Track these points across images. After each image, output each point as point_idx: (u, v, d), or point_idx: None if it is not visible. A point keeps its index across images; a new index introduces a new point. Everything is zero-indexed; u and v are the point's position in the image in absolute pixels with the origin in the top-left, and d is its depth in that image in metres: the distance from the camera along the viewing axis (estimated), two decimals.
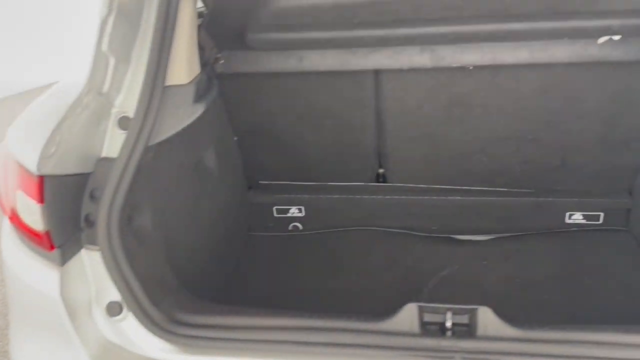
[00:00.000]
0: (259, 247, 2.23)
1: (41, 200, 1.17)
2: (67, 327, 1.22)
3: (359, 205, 2.23)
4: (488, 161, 2.03)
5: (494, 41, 1.64)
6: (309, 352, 1.17)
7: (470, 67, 1.70)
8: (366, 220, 2.25)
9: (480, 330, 1.16)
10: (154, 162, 1.38)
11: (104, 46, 1.29)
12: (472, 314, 1.19)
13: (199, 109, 1.40)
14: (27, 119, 1.28)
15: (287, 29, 1.60)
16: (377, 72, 1.79)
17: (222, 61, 1.75)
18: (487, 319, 1.17)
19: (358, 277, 1.97)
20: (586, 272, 1.87)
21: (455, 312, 1.19)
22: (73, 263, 1.25)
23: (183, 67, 1.36)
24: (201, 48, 1.70)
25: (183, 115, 1.37)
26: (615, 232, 2.07)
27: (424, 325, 1.19)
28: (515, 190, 2.11)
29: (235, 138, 2.12)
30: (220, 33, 1.66)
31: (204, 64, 1.70)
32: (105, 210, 1.23)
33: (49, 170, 1.18)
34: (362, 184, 2.22)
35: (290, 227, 2.33)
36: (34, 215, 1.18)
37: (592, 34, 1.54)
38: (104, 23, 1.29)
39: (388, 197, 2.21)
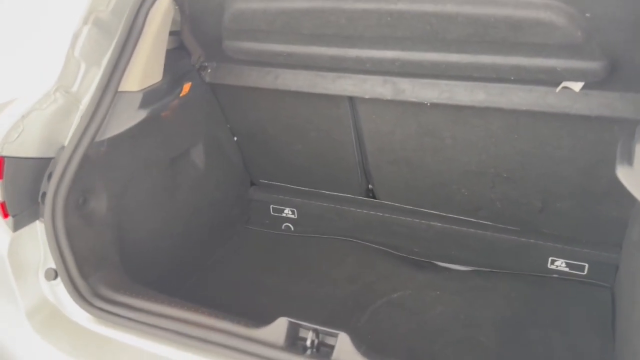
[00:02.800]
0: (247, 240, 2.39)
1: (0, 176, 1.42)
2: (11, 283, 1.47)
3: (346, 217, 2.31)
4: (467, 192, 2.00)
5: (450, 79, 1.63)
6: (182, 343, 1.31)
7: (428, 104, 1.70)
8: (351, 232, 2.33)
9: (335, 354, 1.23)
10: (108, 154, 1.59)
11: (76, 52, 1.51)
12: (333, 337, 1.25)
13: (141, 115, 1.57)
14: (5, 113, 1.54)
15: (252, 38, 1.71)
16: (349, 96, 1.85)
17: (209, 70, 1.91)
18: (344, 344, 1.23)
19: (317, 285, 2.06)
20: (540, 324, 1.79)
21: (318, 333, 1.26)
22: (27, 231, 1.49)
23: (137, 76, 1.55)
24: (188, 53, 1.88)
25: (128, 118, 1.56)
26: (598, 288, 1.94)
27: (288, 339, 1.28)
28: (498, 225, 2.06)
29: (235, 138, 2.30)
30: (204, 40, 1.82)
31: (187, 70, 1.89)
32: (52, 191, 1.46)
33: (9, 152, 1.42)
34: (351, 196, 2.29)
35: (283, 226, 2.47)
36: None
37: (541, 78, 1.47)
38: (78, 32, 1.51)
39: (373, 212, 2.26)
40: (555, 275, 2.01)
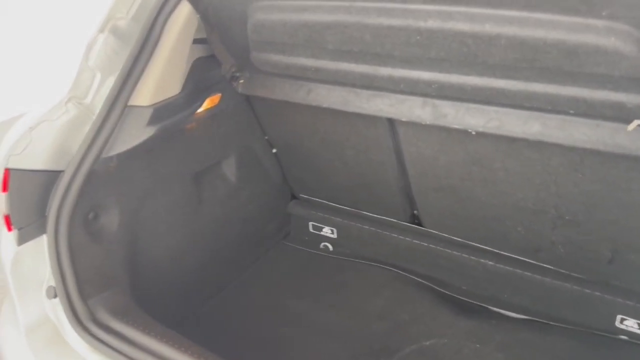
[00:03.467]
0: (281, 258, 2.26)
1: (5, 189, 1.38)
2: (13, 297, 1.44)
3: (388, 242, 2.11)
4: (524, 231, 1.73)
5: (499, 105, 1.37)
6: None
7: (473, 133, 1.46)
8: (392, 260, 2.13)
9: None
10: (120, 169, 1.51)
11: (90, 61, 1.44)
12: None
13: (150, 131, 1.47)
14: (17, 124, 1.50)
15: (278, 50, 1.56)
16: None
17: (241, 81, 1.78)
18: None
19: (346, 316, 1.89)
20: None
21: None
22: (32, 245, 1.45)
23: (150, 90, 1.45)
24: (219, 63, 1.76)
25: (136, 134, 1.46)
26: None
27: None
28: (560, 270, 1.78)
29: (274, 150, 2.17)
30: (234, 50, 1.69)
31: (216, 80, 1.77)
32: (56, 205, 1.40)
33: (14, 164, 1.38)
34: (394, 220, 2.09)
35: (321, 245, 2.32)
36: (1, 202, 1.41)
37: (608, 114, 1.19)
38: (92, 41, 1.44)
39: (417, 241, 2.05)
40: (623, 337, 1.70)
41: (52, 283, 1.43)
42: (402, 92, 1.50)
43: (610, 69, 1.04)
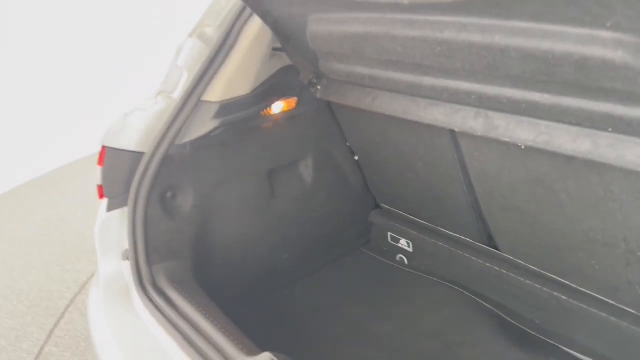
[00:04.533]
0: (358, 264, 2.31)
1: (100, 162, 1.66)
2: (98, 254, 1.71)
3: (461, 262, 2.05)
4: (598, 266, 1.57)
5: (550, 120, 1.28)
6: (184, 348, 1.35)
7: (522, 147, 1.37)
8: (463, 280, 2.06)
9: None
10: (194, 157, 1.71)
11: (180, 62, 1.67)
12: None
13: (214, 124, 1.64)
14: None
15: (337, 59, 1.63)
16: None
17: (319, 87, 1.89)
18: None
19: (398, 328, 1.88)
20: None
21: None
22: (118, 213, 1.71)
23: (220, 88, 1.62)
24: (297, 71, 1.90)
25: (203, 126, 1.64)
26: None
27: None
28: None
29: (356, 158, 2.23)
30: (309, 60, 1.81)
31: (294, 86, 1.91)
32: (136, 182, 1.64)
33: (109, 143, 1.65)
34: (470, 240, 2.02)
35: (397, 257, 2.32)
36: (98, 173, 1.69)
37: None
38: (182, 45, 1.67)
39: (490, 265, 1.95)
40: None
41: (126, 247, 1.68)
42: (456, 102, 1.48)
43: (628, 85, 0.94)
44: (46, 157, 5.23)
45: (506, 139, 1.41)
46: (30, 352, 2.81)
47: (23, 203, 4.69)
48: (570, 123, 1.26)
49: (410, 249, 2.26)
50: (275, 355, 1.23)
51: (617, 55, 0.90)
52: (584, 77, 1.01)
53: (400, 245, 2.29)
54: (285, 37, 1.67)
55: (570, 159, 1.35)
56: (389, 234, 2.33)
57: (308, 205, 2.13)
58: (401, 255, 2.31)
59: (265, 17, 1.57)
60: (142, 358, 1.44)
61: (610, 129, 1.13)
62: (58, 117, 5.36)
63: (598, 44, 0.92)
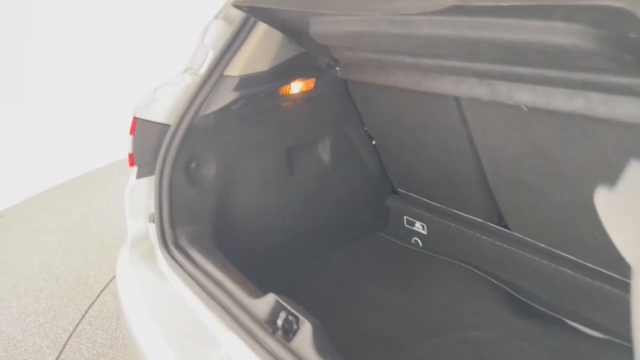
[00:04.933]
0: (374, 246, 2.39)
1: (132, 132, 1.81)
2: (127, 218, 1.85)
3: (473, 243, 2.11)
4: (601, 238, 1.61)
5: (546, 84, 1.37)
6: (201, 297, 1.47)
7: (525, 109, 1.45)
8: (475, 260, 2.11)
9: (294, 341, 1.20)
10: (217, 129, 1.84)
11: (206, 41, 1.82)
12: (301, 324, 1.22)
13: (234, 95, 1.76)
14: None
15: (343, 48, 1.75)
16: (456, 98, 1.71)
17: (337, 68, 2.01)
18: (305, 333, 1.19)
19: (410, 300, 1.95)
20: None
21: (289, 315, 1.25)
22: (146, 180, 1.85)
23: (241, 64, 1.75)
24: (314, 55, 2.01)
25: (224, 98, 1.76)
26: None
27: (271, 315, 1.30)
28: None
29: (373, 142, 2.33)
30: (322, 49, 1.93)
31: (310, 67, 2.02)
32: (163, 151, 1.78)
33: (140, 115, 1.80)
34: (481, 221, 2.08)
35: (412, 240, 2.39)
36: (128, 142, 1.84)
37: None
38: (208, 25, 1.82)
39: (500, 243, 2.01)
40: None
41: (152, 210, 1.82)
42: (460, 75, 1.58)
43: (587, 62, 1.05)
44: (88, 157, 5.52)
45: (510, 102, 1.49)
46: (65, 329, 2.98)
47: (67, 198, 4.96)
48: (564, 86, 1.34)
49: (425, 232, 2.32)
50: (279, 297, 1.33)
51: (568, 41, 1.00)
52: (549, 59, 1.11)
53: (415, 228, 2.36)
54: (295, 35, 1.80)
55: (567, 126, 1.43)
56: (405, 217, 2.40)
57: (325, 185, 2.23)
58: (416, 238, 2.37)
59: (272, 23, 1.70)
60: (162, 305, 1.56)
61: (597, 91, 1.21)
62: (101, 121, 5.66)
63: (552, 33, 1.03)
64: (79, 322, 3.04)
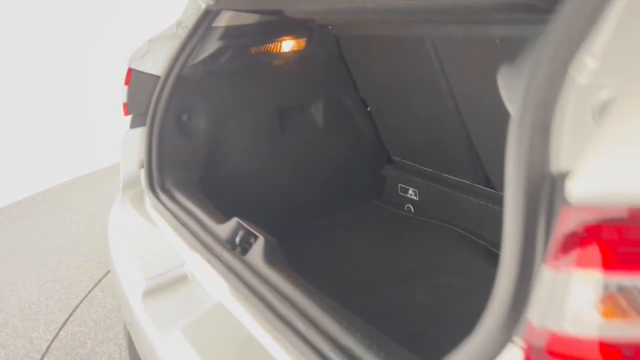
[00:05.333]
0: (368, 213, 2.40)
1: (127, 83, 1.91)
2: (121, 164, 1.94)
3: (461, 205, 2.10)
4: None
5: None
6: (176, 228, 1.53)
7: (497, 41, 1.50)
8: (463, 222, 2.10)
9: (248, 255, 1.24)
10: (205, 81, 1.91)
11: None
12: (255, 241, 1.26)
13: (218, 44, 1.83)
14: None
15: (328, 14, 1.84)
16: (434, 42, 1.74)
17: (329, 27, 2.06)
18: (258, 247, 1.23)
19: (392, 256, 1.95)
20: None
21: (246, 233, 1.29)
22: (139, 130, 1.94)
23: (228, 17, 1.83)
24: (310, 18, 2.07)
25: (210, 46, 1.83)
26: None
27: (234, 233, 1.34)
28: None
29: (368, 109, 2.36)
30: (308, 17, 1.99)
31: (302, 27, 2.08)
32: (154, 100, 1.87)
33: (135, 66, 1.90)
34: (469, 183, 2.07)
35: (405, 207, 2.39)
36: (124, 92, 1.94)
37: None
38: None
39: (485, 202, 2.00)
40: None
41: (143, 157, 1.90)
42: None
43: None
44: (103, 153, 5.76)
45: (483, 36, 1.51)
46: (78, 295, 3.10)
47: (97, 183, 5.17)
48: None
49: (417, 198, 2.32)
50: (242, 220, 1.37)
51: None
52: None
53: (408, 195, 2.36)
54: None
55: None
56: (399, 185, 2.41)
57: (318, 148, 2.26)
58: (409, 205, 2.37)
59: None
60: (140, 236, 1.63)
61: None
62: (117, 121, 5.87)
63: None
64: (92, 289, 3.16)
